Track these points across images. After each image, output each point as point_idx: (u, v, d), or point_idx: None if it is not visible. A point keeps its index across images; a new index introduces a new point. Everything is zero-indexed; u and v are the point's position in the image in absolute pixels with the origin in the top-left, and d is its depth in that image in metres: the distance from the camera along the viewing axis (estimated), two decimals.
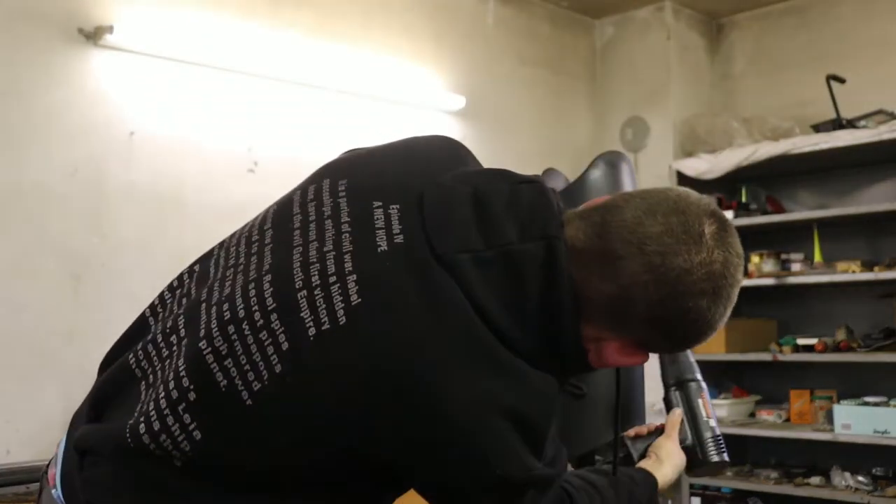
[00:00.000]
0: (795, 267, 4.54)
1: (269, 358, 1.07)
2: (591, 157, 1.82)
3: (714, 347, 4.71)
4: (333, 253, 1.09)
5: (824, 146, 4.37)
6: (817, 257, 4.51)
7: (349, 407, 1.05)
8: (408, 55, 4.34)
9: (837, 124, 4.43)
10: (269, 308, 1.09)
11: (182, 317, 1.17)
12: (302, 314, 1.07)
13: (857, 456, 4.38)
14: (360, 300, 1.05)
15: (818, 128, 4.52)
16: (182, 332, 1.15)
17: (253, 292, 1.11)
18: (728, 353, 4.68)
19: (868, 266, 4.32)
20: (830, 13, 4.91)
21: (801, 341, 4.51)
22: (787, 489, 4.44)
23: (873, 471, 4.31)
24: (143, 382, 1.17)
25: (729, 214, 4.62)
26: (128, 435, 1.11)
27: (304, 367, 1.06)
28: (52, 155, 3.20)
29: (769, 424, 4.67)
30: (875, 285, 4.35)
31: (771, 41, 5.14)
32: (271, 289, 1.10)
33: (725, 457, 1.60)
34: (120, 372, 1.21)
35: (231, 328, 1.10)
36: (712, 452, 1.58)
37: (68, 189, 3.23)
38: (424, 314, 1.05)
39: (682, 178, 4.83)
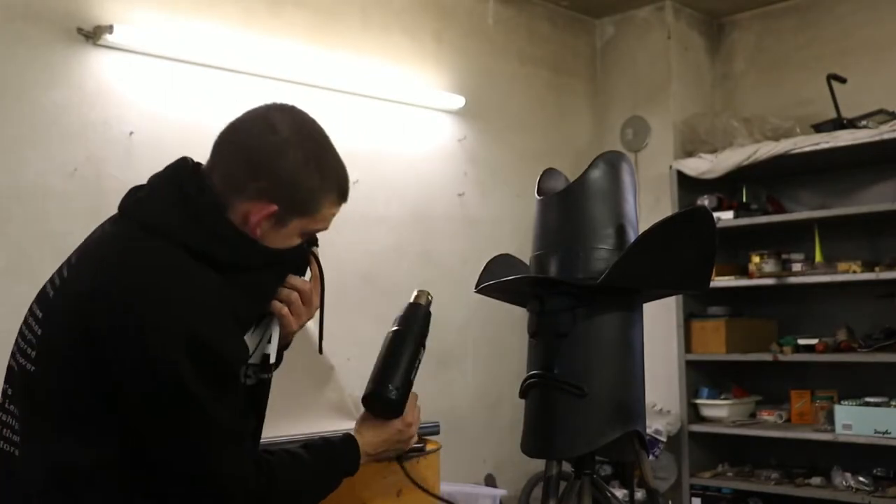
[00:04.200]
0: (796, 267, 4.54)
1: (34, 329, 1.47)
2: (591, 157, 1.82)
3: (714, 347, 4.71)
4: (71, 255, 1.54)
5: (825, 146, 4.36)
6: (818, 257, 4.50)
7: (77, 324, 1.40)
8: (408, 55, 4.34)
9: (838, 124, 4.43)
10: (34, 303, 1.52)
11: None
12: (47, 290, 1.51)
13: (857, 456, 4.37)
14: (76, 260, 1.51)
15: (819, 127, 4.51)
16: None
17: (31, 306, 1.53)
18: (728, 353, 4.67)
19: (869, 266, 4.31)
20: (831, 13, 4.90)
21: (801, 341, 4.51)
22: (787, 489, 4.43)
23: (874, 471, 4.31)
24: None
25: (729, 214, 4.64)
26: None
27: (50, 318, 1.46)
28: (52, 155, 3.20)
29: (770, 425, 4.66)
30: (876, 285, 4.34)
31: (771, 41, 5.14)
32: (38, 293, 1.53)
33: (367, 392, 1.69)
34: None
35: (19, 335, 1.50)
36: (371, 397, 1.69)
37: (68, 189, 3.22)
38: (111, 241, 1.48)
39: (683, 178, 4.82)
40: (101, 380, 1.38)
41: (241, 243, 1.47)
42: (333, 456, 1.61)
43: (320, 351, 1.69)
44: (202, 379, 1.37)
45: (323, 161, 1.52)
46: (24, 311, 1.67)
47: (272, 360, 1.54)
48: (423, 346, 1.73)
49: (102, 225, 1.55)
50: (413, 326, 1.72)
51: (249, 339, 1.51)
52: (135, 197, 1.52)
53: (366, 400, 1.69)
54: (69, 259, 1.53)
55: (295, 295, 1.55)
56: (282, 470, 1.49)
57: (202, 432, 1.39)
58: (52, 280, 1.52)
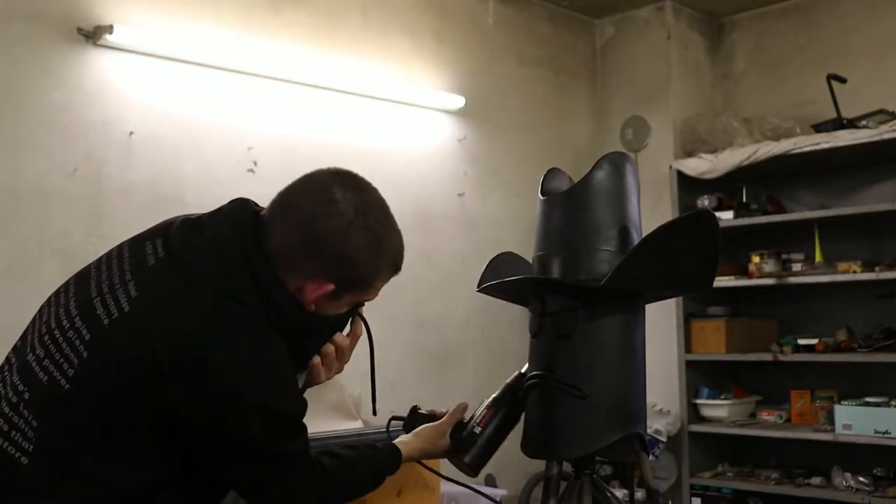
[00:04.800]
0: (796, 267, 4.53)
1: (77, 348, 1.45)
2: (592, 156, 1.83)
3: (715, 347, 4.71)
4: (118, 273, 1.50)
5: (825, 146, 4.36)
6: (818, 257, 4.50)
7: (140, 366, 1.40)
8: (408, 55, 4.33)
9: (838, 124, 4.42)
10: (74, 314, 1.48)
11: (13, 350, 1.56)
12: (98, 312, 1.46)
13: (857, 456, 4.37)
14: (137, 293, 1.46)
15: (819, 127, 4.51)
16: (13, 359, 1.53)
17: (63, 311, 1.50)
18: (729, 353, 4.67)
19: (869, 266, 4.31)
20: (831, 13, 4.90)
21: (801, 341, 4.51)
22: (787, 489, 4.43)
23: (874, 471, 4.30)
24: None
25: (729, 214, 4.63)
26: None
27: (103, 346, 1.43)
28: (52, 155, 3.20)
29: (770, 425, 4.66)
30: (876, 285, 4.34)
31: (771, 41, 5.14)
32: (74, 302, 1.50)
33: (467, 459, 1.81)
34: None
35: (47, 337, 1.49)
36: (462, 452, 1.82)
37: (68, 189, 3.22)
38: (184, 294, 1.45)
39: (683, 178, 4.82)
40: (161, 418, 1.43)
41: (300, 315, 1.51)
42: (379, 465, 1.74)
43: (374, 413, 1.76)
44: (269, 435, 1.47)
45: (383, 240, 1.54)
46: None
47: None
48: (518, 418, 1.82)
49: (156, 253, 1.51)
50: (508, 397, 1.83)
51: None
52: (196, 242, 1.50)
53: (449, 453, 1.84)
54: (125, 285, 1.48)
55: (332, 349, 1.61)
56: (335, 472, 1.62)
57: (269, 465, 1.50)
58: (102, 300, 1.47)
